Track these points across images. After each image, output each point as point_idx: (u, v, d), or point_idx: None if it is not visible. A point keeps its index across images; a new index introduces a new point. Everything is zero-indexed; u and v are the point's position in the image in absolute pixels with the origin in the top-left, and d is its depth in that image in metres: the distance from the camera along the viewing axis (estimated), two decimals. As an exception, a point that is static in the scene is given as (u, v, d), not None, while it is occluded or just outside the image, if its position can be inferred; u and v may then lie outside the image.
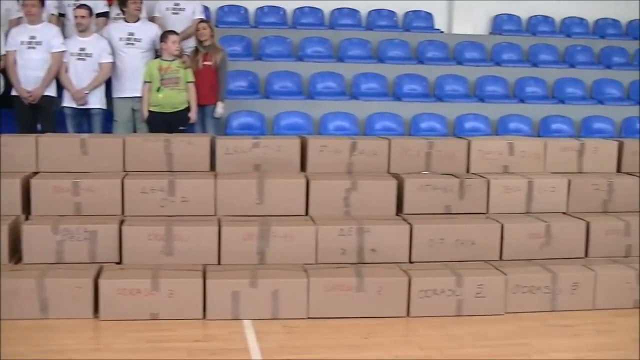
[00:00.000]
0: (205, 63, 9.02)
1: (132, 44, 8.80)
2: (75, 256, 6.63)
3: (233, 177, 7.28)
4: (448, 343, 6.05)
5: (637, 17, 13.05)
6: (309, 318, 6.38)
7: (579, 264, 7.13)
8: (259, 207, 7.18)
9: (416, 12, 12.41)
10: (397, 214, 7.39)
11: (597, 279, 6.91)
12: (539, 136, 10.01)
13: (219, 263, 6.74)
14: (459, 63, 11.36)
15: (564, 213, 7.73)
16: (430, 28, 12.30)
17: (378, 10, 12.27)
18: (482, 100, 10.65)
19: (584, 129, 10.52)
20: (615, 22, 13.03)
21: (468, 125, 10.13)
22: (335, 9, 12.12)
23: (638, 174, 8.15)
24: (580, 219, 7.52)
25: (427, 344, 6.03)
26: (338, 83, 10.57)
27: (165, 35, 8.69)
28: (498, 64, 11.50)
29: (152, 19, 9.35)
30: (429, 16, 12.43)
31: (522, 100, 10.81)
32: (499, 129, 10.21)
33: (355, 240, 6.91)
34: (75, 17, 8.70)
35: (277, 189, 7.22)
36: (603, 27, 12.97)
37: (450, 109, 10.26)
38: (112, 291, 6.18)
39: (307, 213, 7.27)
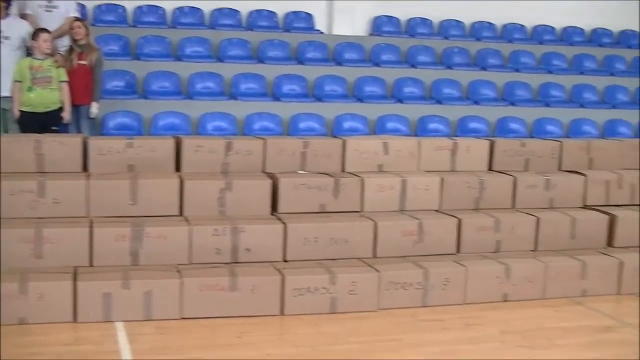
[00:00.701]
0: (80, 62, 8.85)
1: (1, 41, 8.56)
2: (-61, 261, 6.43)
3: (105, 178, 7.17)
4: (321, 340, 6.11)
5: (511, 21, 13.42)
6: (182, 318, 6.36)
7: (451, 260, 7.31)
8: (132, 207, 7.11)
9: (296, 13, 12.45)
10: (272, 214, 7.41)
11: (468, 274, 7.10)
12: (416, 136, 10.14)
13: (90, 265, 6.63)
14: (339, 64, 11.45)
15: (436, 211, 7.91)
16: (311, 29, 12.35)
17: (258, 11, 12.25)
18: (360, 100, 10.76)
19: (460, 129, 10.74)
20: (490, 25, 13.37)
21: (347, 125, 10.20)
22: (215, 9, 12.04)
23: (508, 172, 8.39)
24: (452, 216, 7.70)
25: (301, 341, 6.07)
26: (217, 83, 10.51)
27: (36, 33, 8.49)
28: (377, 64, 11.63)
29: (23, 16, 9.11)
30: (309, 17, 12.48)
31: (400, 101, 10.96)
32: (377, 128, 10.33)
33: (230, 240, 6.91)
34: (-59, 13, 8.43)
35: (151, 189, 7.16)
36: (479, 30, 13.29)
37: (329, 109, 10.32)
38: (-22, 296, 6.02)
39: (181, 213, 7.23)
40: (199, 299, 6.37)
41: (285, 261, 7.03)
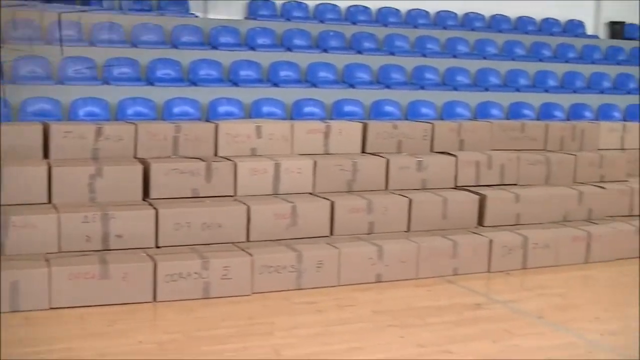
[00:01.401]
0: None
1: None
2: None
3: (-31, 166, 6.96)
4: (194, 326, 6.07)
5: (385, 5, 13.58)
6: (51, 309, 6.23)
7: (324, 243, 7.37)
8: (-2, 196, 6.92)
9: (171, -4, 12.31)
10: (143, 199, 7.33)
11: (341, 257, 7.16)
12: (292, 119, 10.15)
13: (-46, 256, 6.44)
14: (214, 48, 11.34)
15: (310, 194, 7.95)
16: (185, 12, 12.21)
17: (132, -6, 12.05)
18: (236, 84, 10.68)
19: (336, 112, 10.78)
20: (365, 9, 13.48)
21: (222, 109, 10.12)
22: (86, -9, 11.80)
23: (381, 154, 8.49)
24: (326, 198, 7.76)
25: (173, 327, 6.02)
26: (89, 68, 10.28)
27: None
28: (252, 48, 11.57)
29: None
30: (184, 0, 12.33)
31: (275, 85, 10.93)
32: (253, 112, 10.28)
33: (100, 227, 6.80)
34: None
35: (17, 177, 6.99)
36: (354, 14, 13.38)
37: (204, 94, 10.21)
38: None
39: (50, 201, 7.07)
40: (68, 288, 6.24)
41: (158, 247, 6.98)
